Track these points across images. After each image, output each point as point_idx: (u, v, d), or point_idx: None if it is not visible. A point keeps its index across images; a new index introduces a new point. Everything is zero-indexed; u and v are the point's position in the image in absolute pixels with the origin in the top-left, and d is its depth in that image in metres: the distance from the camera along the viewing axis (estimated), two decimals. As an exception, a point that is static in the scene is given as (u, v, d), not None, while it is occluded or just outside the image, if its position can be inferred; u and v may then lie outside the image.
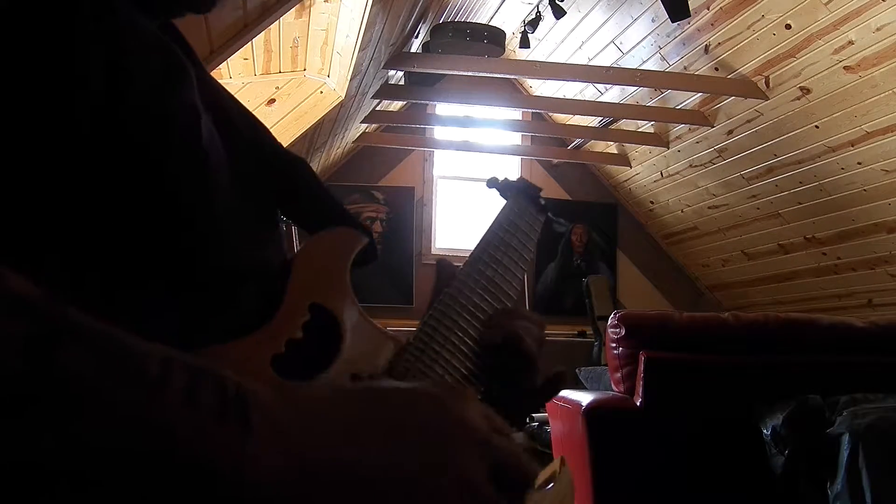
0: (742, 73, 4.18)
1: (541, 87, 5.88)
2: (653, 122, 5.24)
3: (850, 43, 3.49)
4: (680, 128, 5.07)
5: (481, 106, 5.65)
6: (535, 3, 4.64)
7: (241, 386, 0.33)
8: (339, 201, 0.66)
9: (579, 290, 5.83)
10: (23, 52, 0.40)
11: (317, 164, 5.48)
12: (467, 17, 4.96)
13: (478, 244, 0.66)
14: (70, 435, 0.28)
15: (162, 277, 0.46)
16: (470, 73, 4.54)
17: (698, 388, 2.24)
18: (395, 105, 5.86)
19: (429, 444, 0.35)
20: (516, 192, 0.72)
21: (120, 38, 0.45)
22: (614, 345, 2.30)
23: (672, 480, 2.17)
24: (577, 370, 4.22)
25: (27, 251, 0.40)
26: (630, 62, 4.69)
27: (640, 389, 2.18)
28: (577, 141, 6.03)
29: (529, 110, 6.15)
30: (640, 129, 5.47)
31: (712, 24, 4.01)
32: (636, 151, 5.77)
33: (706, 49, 4.22)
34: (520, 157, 6.43)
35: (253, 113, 0.65)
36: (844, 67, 3.63)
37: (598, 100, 5.35)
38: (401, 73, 4.62)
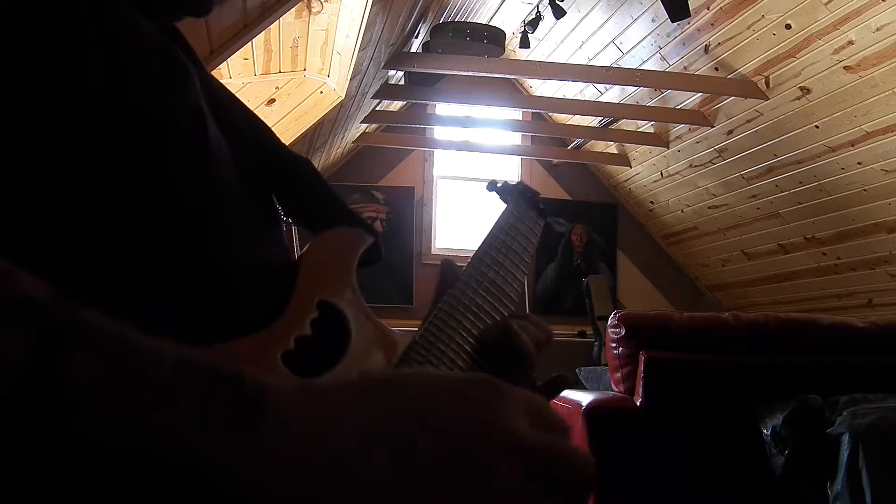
0: (742, 73, 4.18)
1: (541, 87, 5.88)
2: (653, 122, 5.24)
3: (850, 43, 3.49)
4: (680, 128, 5.07)
5: (481, 106, 5.65)
6: (535, 3, 4.64)
7: (259, 386, 0.32)
8: (343, 201, 0.66)
9: (579, 290, 5.83)
10: (22, 52, 0.40)
11: (317, 164, 5.49)
12: (467, 17, 4.96)
13: (479, 247, 0.67)
14: (73, 436, 0.28)
15: (166, 276, 0.46)
16: (470, 73, 4.54)
17: (698, 388, 2.24)
18: (395, 105, 5.86)
19: (454, 451, 0.33)
20: (516, 196, 0.73)
21: (121, 39, 0.45)
22: (614, 345, 2.30)
23: (672, 480, 2.17)
24: (577, 370, 4.22)
25: (28, 251, 0.40)
26: (630, 62, 4.69)
27: (640, 389, 2.18)
28: (577, 141, 6.03)
29: (529, 110, 6.15)
30: (640, 129, 5.47)
31: (712, 24, 4.01)
32: (636, 151, 5.77)
33: (706, 49, 4.22)
34: (520, 157, 6.43)
35: (254, 112, 0.65)
36: (844, 67, 3.63)
37: (598, 100, 5.35)
38: (401, 73, 4.62)
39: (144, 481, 0.28)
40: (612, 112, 5.23)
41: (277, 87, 3.32)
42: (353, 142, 5.84)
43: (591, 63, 4.94)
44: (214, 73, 2.58)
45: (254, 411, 0.31)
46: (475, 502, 0.32)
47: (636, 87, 4.79)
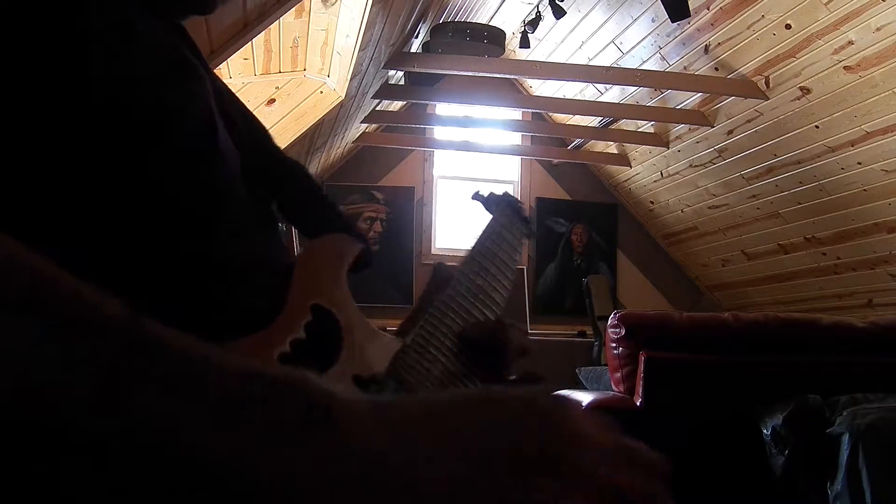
0: (742, 73, 4.18)
1: (541, 87, 5.88)
2: (653, 122, 5.24)
3: (850, 43, 3.49)
4: (680, 128, 5.07)
5: (481, 106, 5.65)
6: (535, 3, 4.64)
7: (328, 395, 0.31)
8: (336, 206, 0.68)
9: (579, 290, 5.83)
10: (29, 50, 0.40)
11: (317, 164, 5.48)
12: (467, 17, 4.96)
13: (467, 254, 0.70)
14: (144, 470, 0.27)
15: (170, 274, 0.46)
16: (470, 73, 4.54)
17: (698, 388, 2.24)
18: (395, 105, 5.86)
19: (517, 452, 0.33)
20: (502, 206, 0.77)
21: (125, 39, 0.45)
22: (614, 345, 2.30)
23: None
24: (577, 370, 4.22)
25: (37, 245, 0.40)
26: (630, 62, 4.69)
27: (640, 389, 2.18)
28: (577, 141, 6.03)
29: (529, 110, 6.15)
30: (640, 129, 5.47)
31: (712, 24, 4.01)
32: (636, 151, 5.77)
33: (706, 49, 4.22)
34: (520, 157, 6.43)
35: (254, 114, 0.66)
36: (844, 67, 3.63)
37: (598, 100, 5.35)
38: (401, 73, 4.62)
39: (219, 478, 0.28)
40: (612, 112, 5.23)
41: (277, 87, 3.32)
42: (353, 142, 5.84)
43: (591, 63, 4.94)
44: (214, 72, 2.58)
45: (326, 414, 0.31)
46: None
47: (636, 87, 4.79)
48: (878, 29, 3.32)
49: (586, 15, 4.60)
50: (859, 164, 4.09)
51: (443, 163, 6.40)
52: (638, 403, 2.18)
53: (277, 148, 0.68)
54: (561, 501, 0.31)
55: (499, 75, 5.15)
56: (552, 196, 6.46)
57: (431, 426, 0.33)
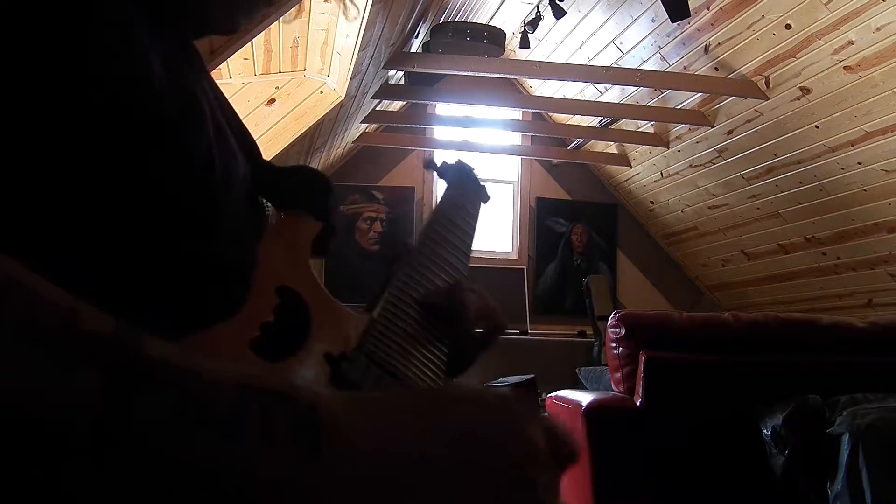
0: (742, 73, 4.18)
1: (541, 87, 5.88)
2: (653, 122, 5.24)
3: (850, 43, 3.49)
4: (680, 128, 5.07)
5: (481, 106, 5.65)
6: (535, 3, 4.64)
7: (311, 404, 0.33)
8: (322, 188, 0.67)
9: (579, 290, 5.83)
10: (29, 51, 0.40)
11: (317, 164, 5.48)
12: (467, 17, 4.96)
13: (425, 225, 0.71)
14: (147, 474, 0.29)
15: (170, 273, 0.47)
16: (470, 73, 4.54)
17: (698, 388, 2.24)
18: (395, 105, 5.86)
19: (492, 466, 0.35)
20: (456, 174, 0.78)
21: (129, 42, 0.45)
22: (614, 345, 2.30)
23: (672, 480, 2.17)
24: (577, 370, 4.22)
25: (35, 250, 0.40)
26: (630, 62, 4.69)
27: (640, 389, 2.18)
28: (577, 141, 6.03)
29: (529, 110, 6.15)
30: (640, 129, 5.47)
31: (712, 24, 4.01)
32: (636, 151, 5.77)
33: (706, 49, 4.22)
34: (520, 157, 6.43)
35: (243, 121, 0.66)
36: (844, 67, 3.63)
37: (598, 100, 5.35)
38: (401, 73, 4.62)
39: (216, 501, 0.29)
40: (612, 112, 5.23)
41: (277, 87, 3.32)
42: (353, 142, 5.84)
43: (591, 63, 4.94)
44: (214, 73, 2.58)
45: (313, 430, 0.32)
46: None
47: (636, 87, 4.79)
48: (878, 29, 3.32)
49: (586, 15, 4.60)
50: (859, 164, 4.09)
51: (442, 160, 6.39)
52: (638, 403, 2.18)
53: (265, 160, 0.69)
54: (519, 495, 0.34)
55: (499, 75, 5.15)
56: (552, 196, 6.46)
57: (405, 432, 0.34)
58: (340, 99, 3.81)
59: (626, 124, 5.47)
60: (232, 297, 0.50)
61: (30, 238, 0.40)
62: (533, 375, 4.55)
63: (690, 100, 4.71)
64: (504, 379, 4.74)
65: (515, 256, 6.40)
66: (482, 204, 0.79)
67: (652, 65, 4.60)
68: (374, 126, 5.85)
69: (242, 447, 0.30)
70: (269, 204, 0.63)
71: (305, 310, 0.52)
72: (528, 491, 0.34)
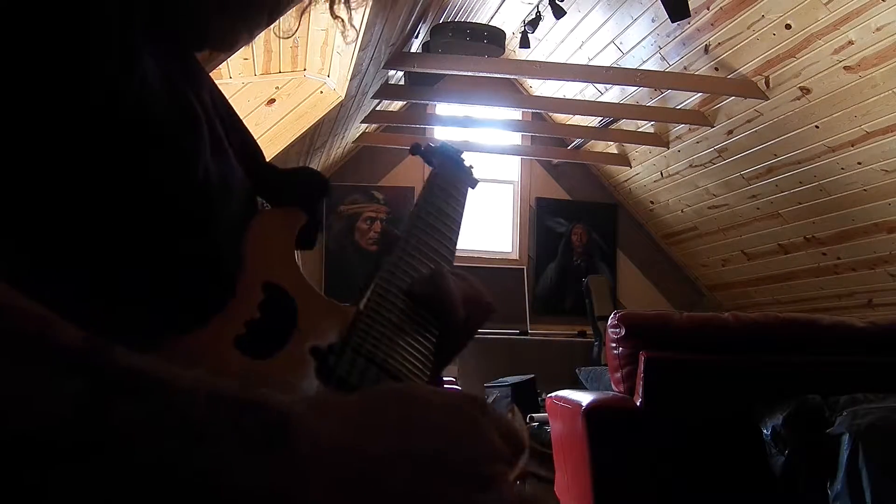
0: (742, 73, 4.18)
1: (541, 87, 5.88)
2: (653, 122, 5.24)
3: (850, 43, 3.49)
4: (680, 128, 5.07)
5: (481, 106, 5.64)
6: (535, 3, 4.64)
7: (282, 410, 0.34)
8: (314, 181, 0.67)
9: (579, 290, 5.83)
10: (28, 51, 0.41)
11: (317, 164, 5.48)
12: (467, 17, 4.96)
13: (412, 211, 0.69)
14: (126, 480, 0.29)
15: (170, 272, 0.47)
16: (470, 73, 4.54)
17: (698, 388, 2.24)
18: (395, 105, 5.86)
19: (457, 464, 0.35)
20: (441, 158, 0.75)
21: (129, 46, 0.45)
22: (614, 345, 2.30)
23: (672, 480, 2.17)
24: (577, 370, 4.23)
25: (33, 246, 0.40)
26: (630, 62, 4.69)
27: (640, 389, 2.18)
28: (577, 141, 6.03)
29: (529, 110, 6.15)
30: (640, 129, 5.47)
31: (712, 24, 4.01)
32: (636, 151, 5.77)
33: (706, 49, 4.22)
34: (520, 157, 6.43)
35: (243, 121, 0.66)
36: (844, 67, 3.63)
37: (598, 100, 5.35)
38: (401, 73, 4.62)
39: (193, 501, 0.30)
40: (612, 112, 5.22)
41: (277, 87, 3.32)
42: (353, 142, 5.84)
43: (591, 63, 4.94)
44: (214, 73, 2.58)
45: (283, 437, 0.33)
46: None
47: (636, 87, 4.79)
48: (878, 29, 3.32)
49: (586, 15, 4.60)
50: (859, 164, 4.09)
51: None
52: (638, 403, 2.18)
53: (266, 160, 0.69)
54: (480, 498, 0.35)
55: (499, 75, 5.15)
56: (552, 196, 6.46)
57: (381, 432, 0.35)
58: (340, 99, 3.81)
59: (626, 124, 5.47)
60: (221, 296, 0.50)
61: (22, 237, 0.41)
62: (533, 375, 4.55)
63: (690, 100, 4.71)
64: (504, 379, 4.74)
65: (515, 256, 6.40)
66: (469, 189, 0.76)
67: (652, 65, 4.60)
68: (374, 126, 5.85)
69: (216, 453, 0.31)
70: (265, 204, 0.63)
71: (292, 305, 0.52)
72: (485, 486, 0.35)
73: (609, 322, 2.35)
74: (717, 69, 4.29)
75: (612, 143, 5.91)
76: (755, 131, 4.52)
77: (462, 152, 0.78)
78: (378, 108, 5.38)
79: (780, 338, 2.30)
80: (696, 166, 5.28)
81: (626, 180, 6.19)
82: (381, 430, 0.35)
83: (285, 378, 0.46)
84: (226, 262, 0.52)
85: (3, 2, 0.41)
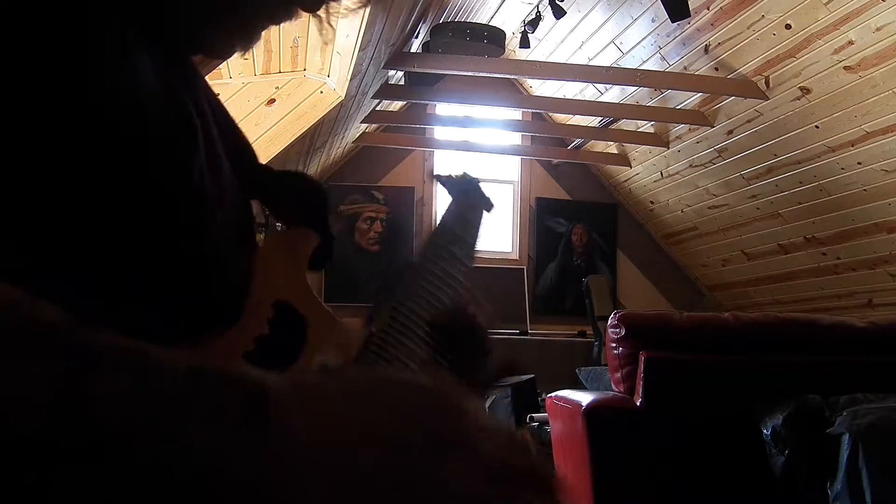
0: (742, 73, 4.18)
1: (541, 87, 5.88)
2: (653, 122, 5.24)
3: (850, 43, 3.49)
4: (680, 128, 5.07)
5: (481, 106, 5.64)
6: (535, 3, 4.64)
7: (261, 386, 0.34)
8: (323, 202, 0.68)
9: (579, 290, 5.83)
10: (30, 54, 0.41)
11: (317, 164, 5.48)
12: (467, 17, 4.96)
13: (431, 237, 0.71)
14: (108, 452, 0.29)
15: (165, 277, 0.47)
16: (470, 73, 4.54)
17: (698, 388, 2.24)
18: (395, 105, 5.86)
19: (425, 434, 0.36)
20: (463, 189, 0.78)
21: (128, 52, 0.45)
22: (614, 345, 2.30)
23: (672, 480, 2.17)
24: (577, 370, 4.23)
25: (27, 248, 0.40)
26: (630, 62, 4.69)
27: (640, 389, 2.18)
28: (577, 141, 6.03)
29: (529, 110, 6.15)
30: (640, 129, 5.47)
31: (712, 24, 4.01)
32: (636, 151, 5.77)
33: (706, 49, 4.22)
34: (520, 157, 6.43)
35: (237, 125, 0.66)
36: (844, 67, 3.63)
37: (598, 100, 5.35)
38: (401, 73, 4.62)
39: (169, 481, 0.30)
40: (612, 112, 5.22)
41: (277, 87, 3.32)
42: (353, 142, 5.84)
43: (591, 63, 4.94)
44: (214, 73, 2.58)
45: (262, 410, 0.33)
46: (441, 499, 0.35)
47: (636, 87, 4.79)
48: (878, 29, 3.32)
49: (586, 15, 4.60)
50: (859, 164, 4.09)
51: (443, 163, 6.40)
52: (638, 403, 2.18)
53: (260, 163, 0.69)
54: (463, 479, 0.35)
55: (499, 75, 5.15)
56: (552, 196, 6.46)
57: (353, 412, 0.36)
58: (340, 99, 3.81)
59: (626, 124, 5.47)
60: (227, 311, 0.50)
61: (21, 237, 0.41)
62: (533, 375, 4.55)
63: (690, 100, 4.71)
64: (504, 379, 4.74)
65: (515, 256, 6.40)
66: (486, 214, 0.80)
67: (652, 65, 4.60)
68: (374, 126, 5.85)
69: (195, 425, 0.31)
70: (267, 212, 0.63)
71: (302, 323, 0.52)
72: (455, 455, 0.36)
73: (609, 322, 2.35)
74: (717, 69, 4.29)
75: (612, 143, 5.91)
76: (755, 131, 4.52)
77: (482, 184, 0.81)
78: (378, 108, 5.38)
79: (780, 338, 2.30)
80: (696, 166, 5.28)
81: (626, 180, 6.19)
82: (355, 409, 0.36)
83: None
84: (222, 264, 0.52)
85: (4, 2, 0.41)
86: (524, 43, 4.80)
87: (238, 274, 0.55)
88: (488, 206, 0.80)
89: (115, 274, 0.44)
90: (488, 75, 4.83)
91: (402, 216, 6.14)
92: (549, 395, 2.56)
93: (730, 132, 4.72)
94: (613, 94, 5.15)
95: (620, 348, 2.28)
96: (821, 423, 2.03)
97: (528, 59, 5.16)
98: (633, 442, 2.19)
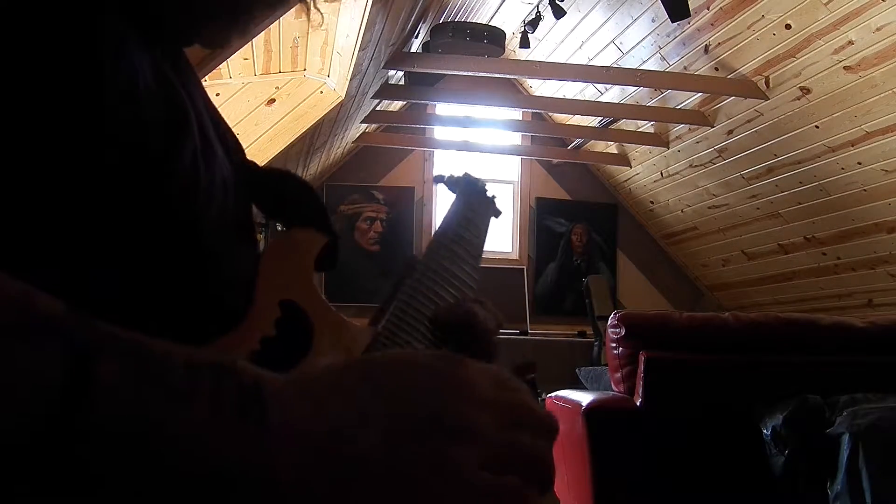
0: (742, 73, 4.18)
1: (541, 87, 5.88)
2: (653, 122, 5.24)
3: (850, 43, 3.49)
4: (680, 128, 5.07)
5: (481, 106, 5.65)
6: (535, 3, 4.64)
7: (256, 377, 0.35)
8: (317, 200, 0.67)
9: (579, 290, 5.83)
10: (35, 55, 0.41)
11: (317, 164, 5.48)
12: (467, 17, 4.96)
13: (434, 237, 0.70)
14: (110, 447, 0.30)
15: (150, 288, 0.47)
16: (470, 73, 4.54)
17: (698, 388, 2.24)
18: (395, 105, 5.86)
19: (424, 414, 0.36)
20: (465, 188, 0.77)
21: (121, 75, 0.45)
22: (614, 345, 2.30)
23: (672, 480, 2.17)
24: (577, 370, 4.22)
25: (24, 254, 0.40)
26: (630, 62, 4.69)
27: (640, 389, 2.18)
28: (577, 141, 6.03)
29: (529, 110, 6.15)
30: (640, 129, 5.47)
31: (712, 24, 4.01)
32: (636, 151, 5.77)
33: (706, 49, 4.22)
34: (520, 157, 6.43)
35: (226, 121, 0.66)
36: (844, 67, 3.63)
37: (598, 100, 5.35)
38: (401, 73, 4.62)
39: (173, 462, 0.31)
40: (612, 112, 5.23)
41: (277, 87, 3.32)
42: (353, 142, 5.84)
43: (591, 63, 4.94)
44: (214, 73, 2.58)
45: (257, 401, 0.34)
46: (436, 483, 0.35)
47: (636, 87, 4.79)
48: (878, 29, 3.32)
49: (586, 15, 4.60)
50: (859, 164, 4.10)
51: (443, 163, 6.40)
52: (638, 403, 2.18)
53: (252, 162, 0.69)
54: (466, 457, 0.35)
55: (499, 75, 5.15)
56: (552, 196, 6.46)
57: (350, 398, 0.36)
58: (340, 99, 3.81)
59: (626, 124, 5.47)
60: (231, 311, 0.50)
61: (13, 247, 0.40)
62: (533, 375, 4.55)
63: (690, 100, 4.71)
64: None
65: (515, 256, 6.40)
66: (492, 218, 0.78)
67: (652, 65, 4.60)
68: (374, 126, 5.85)
69: (193, 413, 0.32)
70: (262, 214, 0.63)
71: (308, 323, 0.52)
72: (457, 437, 0.35)
73: (609, 322, 2.35)
74: (717, 69, 4.29)
75: (612, 143, 5.91)
76: (755, 131, 4.52)
77: (485, 183, 0.79)
78: (378, 108, 5.38)
79: (780, 338, 2.30)
80: (696, 166, 5.28)
81: (626, 180, 6.19)
82: (350, 397, 0.36)
83: None
84: (219, 254, 0.51)
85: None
86: (524, 43, 4.80)
87: (238, 268, 0.54)
88: (494, 208, 0.78)
89: (103, 269, 0.44)
90: (488, 75, 4.83)
91: (402, 216, 6.14)
92: (549, 395, 2.56)
93: (730, 132, 4.72)
94: (613, 94, 5.16)
95: (620, 348, 2.28)
96: (821, 423, 2.03)
97: (528, 59, 5.16)
98: (633, 442, 2.19)
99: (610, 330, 2.32)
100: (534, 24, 4.70)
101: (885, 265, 4.55)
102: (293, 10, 2.56)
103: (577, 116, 5.76)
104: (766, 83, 4.11)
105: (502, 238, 6.44)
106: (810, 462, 1.99)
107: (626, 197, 6.41)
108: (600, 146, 6.09)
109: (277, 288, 0.53)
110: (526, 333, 5.84)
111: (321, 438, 0.34)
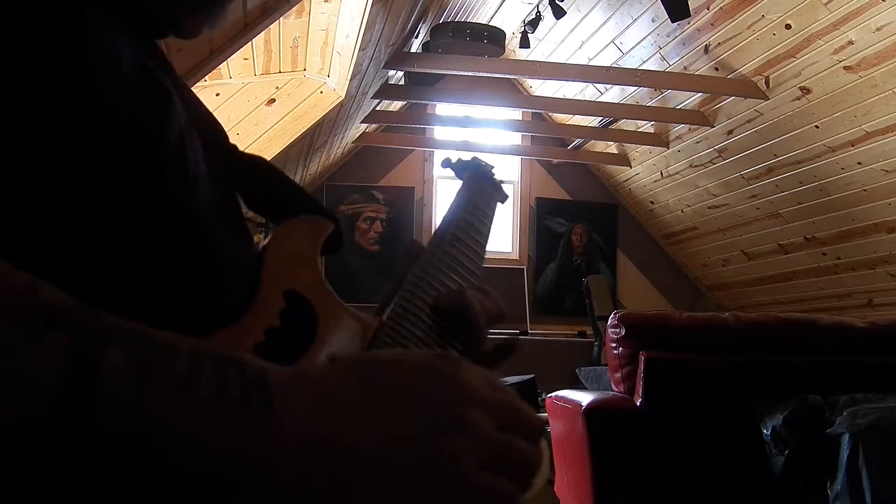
0: (742, 73, 4.18)
1: (541, 87, 5.88)
2: (653, 122, 5.24)
3: (850, 43, 3.49)
4: (680, 128, 5.07)
5: (481, 106, 5.64)
6: (535, 3, 4.64)
7: (260, 369, 0.35)
8: (303, 190, 0.68)
9: (579, 290, 5.83)
10: (25, 51, 0.41)
11: (317, 164, 5.48)
12: (467, 17, 4.96)
13: (440, 225, 0.68)
14: (111, 449, 0.30)
15: (152, 271, 0.46)
16: (470, 73, 4.54)
17: (698, 388, 2.24)
18: (395, 105, 5.86)
19: (425, 415, 0.36)
20: (472, 172, 0.75)
21: (102, 59, 0.45)
22: (614, 345, 2.30)
23: (672, 480, 2.17)
24: (577, 370, 4.22)
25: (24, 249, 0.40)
26: (630, 62, 4.69)
27: (640, 389, 2.18)
28: (577, 141, 6.03)
29: (529, 110, 6.15)
30: (640, 129, 5.47)
31: (712, 24, 4.01)
32: (636, 151, 5.77)
33: (706, 49, 4.22)
34: (520, 157, 6.43)
35: (211, 112, 0.66)
36: (844, 67, 3.63)
37: (598, 100, 5.35)
38: (401, 73, 4.62)
39: (176, 458, 0.31)
40: (612, 112, 5.23)
41: (277, 87, 3.32)
42: (353, 142, 5.84)
43: (591, 63, 4.94)
44: (214, 73, 2.58)
45: (262, 390, 0.34)
46: (437, 483, 0.35)
47: (636, 87, 4.79)
48: (878, 29, 3.32)
49: (586, 15, 4.60)
50: (859, 164, 4.10)
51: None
52: (638, 403, 2.18)
53: (234, 145, 0.68)
54: (466, 457, 0.35)
55: (499, 75, 5.15)
56: (552, 196, 6.46)
57: (352, 401, 0.36)
58: (340, 99, 3.81)
59: (626, 124, 5.47)
60: (233, 302, 0.50)
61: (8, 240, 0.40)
62: (533, 375, 4.55)
63: (690, 100, 4.71)
64: (504, 379, 4.74)
65: (515, 256, 6.40)
66: (498, 204, 0.76)
67: (652, 65, 4.60)
68: (374, 126, 5.85)
69: (199, 402, 0.32)
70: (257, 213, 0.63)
71: (313, 313, 0.52)
72: (455, 429, 0.36)
73: (609, 322, 2.35)
74: (717, 69, 4.29)
75: (611, 143, 5.91)
76: (755, 131, 4.52)
77: (493, 167, 0.77)
78: (378, 108, 5.38)
79: (780, 338, 2.30)
80: (696, 166, 5.28)
81: (626, 180, 6.19)
82: (352, 400, 0.36)
83: None
84: (210, 239, 0.51)
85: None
86: (524, 43, 4.80)
87: (231, 256, 0.54)
88: (501, 193, 0.76)
89: (97, 256, 0.44)
90: (488, 75, 4.83)
91: (402, 216, 6.14)
92: (549, 395, 2.56)
93: (730, 132, 4.72)
94: (613, 94, 5.15)
95: (620, 348, 2.28)
96: (821, 423, 2.03)
97: (528, 59, 5.16)
98: (633, 442, 2.19)
99: (610, 330, 2.32)
100: (534, 24, 4.69)
101: (885, 265, 4.55)
102: (293, 9, 2.56)
103: (577, 116, 5.76)
104: (766, 83, 4.11)
105: (502, 238, 6.44)
106: (810, 462, 1.99)
107: (626, 197, 6.41)
108: (600, 146, 6.09)
109: (282, 277, 0.53)
110: (526, 333, 5.84)
111: (323, 440, 0.34)
